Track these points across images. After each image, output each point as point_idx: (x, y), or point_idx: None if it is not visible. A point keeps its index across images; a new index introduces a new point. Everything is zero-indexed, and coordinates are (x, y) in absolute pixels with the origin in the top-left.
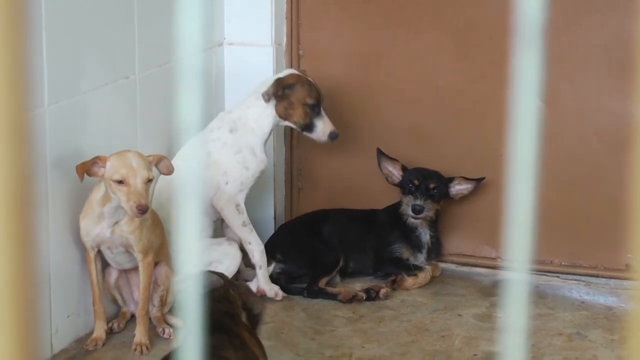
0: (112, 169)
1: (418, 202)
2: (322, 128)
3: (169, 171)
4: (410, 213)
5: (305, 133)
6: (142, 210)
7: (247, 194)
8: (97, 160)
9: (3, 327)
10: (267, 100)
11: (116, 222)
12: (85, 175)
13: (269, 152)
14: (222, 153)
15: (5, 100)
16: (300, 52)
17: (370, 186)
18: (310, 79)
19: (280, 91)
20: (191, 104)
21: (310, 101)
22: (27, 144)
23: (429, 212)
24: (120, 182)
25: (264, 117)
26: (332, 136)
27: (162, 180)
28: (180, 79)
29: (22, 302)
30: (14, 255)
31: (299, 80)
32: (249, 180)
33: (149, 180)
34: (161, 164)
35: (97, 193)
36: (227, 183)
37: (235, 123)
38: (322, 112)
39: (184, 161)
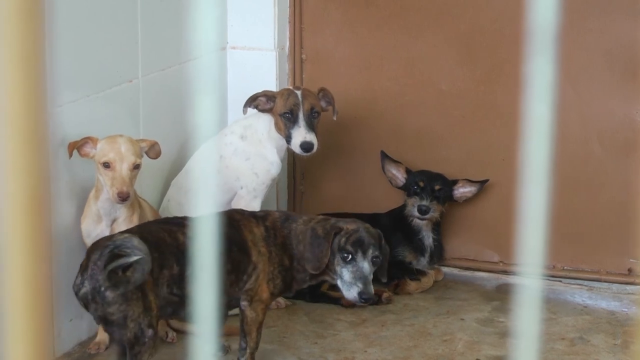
0: (101, 151)
1: (424, 202)
2: (295, 139)
3: (157, 156)
4: (416, 214)
5: (288, 146)
6: (123, 197)
7: (262, 201)
8: (88, 141)
9: (21, 326)
10: (244, 112)
11: (114, 221)
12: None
13: None
14: (233, 158)
15: (22, 106)
16: (303, 56)
17: (372, 190)
18: (298, 92)
19: (254, 103)
20: (207, 107)
21: (283, 110)
22: (43, 148)
23: (434, 213)
24: (107, 166)
25: (268, 130)
26: (304, 147)
27: (172, 187)
28: (196, 81)
29: (38, 301)
30: (31, 257)
31: (280, 92)
32: (261, 187)
33: (136, 167)
34: (152, 149)
35: (92, 190)
36: (241, 188)
37: (246, 130)
38: (300, 122)
39: (198, 165)
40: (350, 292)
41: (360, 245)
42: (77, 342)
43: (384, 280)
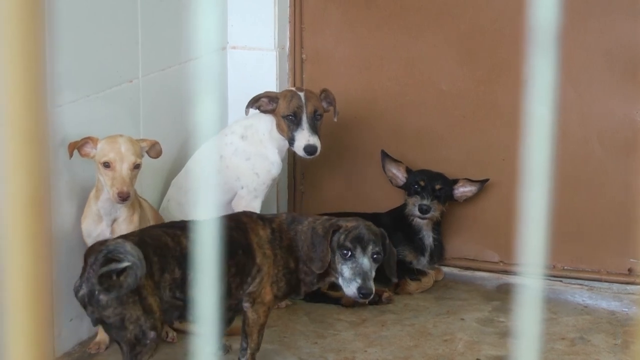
0: (101, 151)
1: (425, 202)
2: (298, 142)
3: (158, 155)
4: (417, 213)
5: (291, 147)
6: (123, 197)
7: (262, 200)
8: (88, 141)
9: (21, 326)
10: (246, 113)
11: (115, 220)
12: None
13: None
14: (233, 158)
15: (22, 106)
16: (303, 56)
17: (372, 190)
18: (301, 93)
19: (256, 104)
20: (207, 106)
21: (286, 112)
22: (43, 148)
23: (435, 212)
24: (107, 165)
25: (269, 131)
26: (307, 150)
27: (172, 187)
28: (196, 81)
29: (38, 301)
30: (31, 257)
31: (283, 94)
32: (261, 187)
33: (136, 167)
34: (152, 149)
35: (93, 189)
36: (242, 188)
37: (247, 130)
38: (304, 125)
39: (198, 165)
40: (350, 288)
41: (359, 242)
42: (78, 342)
43: (395, 279)
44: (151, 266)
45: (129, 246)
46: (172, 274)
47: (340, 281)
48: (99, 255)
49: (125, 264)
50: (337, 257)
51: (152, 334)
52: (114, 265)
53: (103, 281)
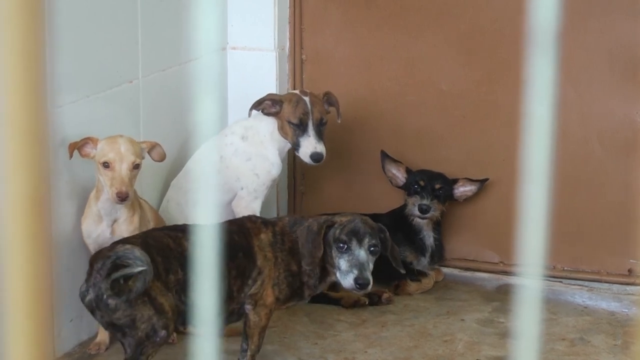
0: (101, 151)
1: (425, 201)
2: (304, 148)
3: (161, 158)
4: (417, 213)
5: (296, 153)
6: (122, 197)
7: (262, 201)
8: (88, 141)
9: (21, 326)
10: (249, 115)
11: (115, 221)
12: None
13: None
14: (234, 159)
15: (23, 106)
16: (303, 56)
17: (372, 190)
18: (306, 98)
19: (260, 107)
20: (207, 107)
21: (293, 120)
22: (43, 149)
23: (435, 212)
24: (107, 166)
25: (270, 132)
26: (314, 157)
27: (171, 188)
28: (196, 81)
29: (39, 301)
30: (32, 257)
31: (288, 98)
32: (261, 188)
33: (136, 167)
34: (154, 151)
35: (93, 190)
36: (242, 189)
37: (247, 131)
38: (310, 131)
39: (198, 165)
40: (347, 280)
41: (355, 235)
42: (78, 343)
43: (402, 271)
44: (157, 267)
45: (137, 252)
46: (175, 274)
47: (338, 275)
48: (107, 261)
49: (139, 268)
50: (334, 252)
51: (162, 332)
52: (129, 270)
53: (114, 286)
